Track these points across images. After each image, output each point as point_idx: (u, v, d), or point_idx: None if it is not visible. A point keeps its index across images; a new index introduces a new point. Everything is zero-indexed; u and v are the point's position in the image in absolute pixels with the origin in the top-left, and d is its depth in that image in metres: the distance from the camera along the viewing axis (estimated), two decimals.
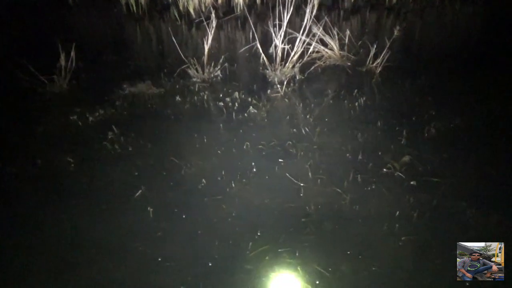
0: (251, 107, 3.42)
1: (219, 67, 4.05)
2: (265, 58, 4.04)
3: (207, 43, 4.00)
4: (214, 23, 4.06)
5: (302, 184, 2.54)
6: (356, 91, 3.72)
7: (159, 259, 2.05)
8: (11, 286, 1.91)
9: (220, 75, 4.01)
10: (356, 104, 3.50)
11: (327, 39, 4.31)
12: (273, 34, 4.13)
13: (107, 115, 3.34)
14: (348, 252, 2.06)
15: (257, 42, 4.03)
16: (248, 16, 4.47)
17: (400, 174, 2.60)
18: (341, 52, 4.40)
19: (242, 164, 2.74)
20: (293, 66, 4.06)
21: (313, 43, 4.13)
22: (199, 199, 2.43)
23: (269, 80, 3.96)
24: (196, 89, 3.78)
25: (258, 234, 2.18)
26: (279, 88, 3.77)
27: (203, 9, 5.86)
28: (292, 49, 4.07)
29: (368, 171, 2.64)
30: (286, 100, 3.63)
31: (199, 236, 2.18)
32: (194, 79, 3.95)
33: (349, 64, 4.33)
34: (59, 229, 2.22)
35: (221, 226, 2.24)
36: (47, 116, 3.32)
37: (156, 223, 2.26)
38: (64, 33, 3.83)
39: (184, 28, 5.68)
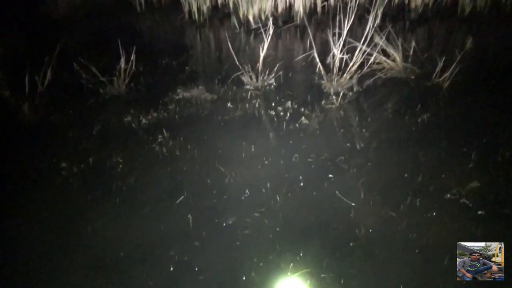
0: (303, 117, 3.28)
1: (273, 75, 3.95)
2: (321, 68, 3.88)
3: (262, 51, 3.93)
4: (270, 31, 3.98)
5: (352, 204, 2.34)
6: (419, 106, 3.43)
7: (195, 269, 1.97)
8: (44, 285, 1.92)
9: (274, 83, 3.91)
10: (419, 120, 3.22)
11: (389, 49, 4.06)
12: (332, 43, 3.96)
13: (160, 118, 3.37)
14: (401, 287, 1.83)
15: (314, 51, 3.88)
16: (307, 24, 4.34)
17: (466, 201, 2.31)
18: (404, 64, 4.11)
19: (289, 176, 2.60)
20: (351, 77, 3.85)
21: (374, 54, 3.90)
22: (241, 211, 2.33)
23: (325, 90, 3.79)
24: (249, 97, 3.71)
25: (300, 254, 2.02)
26: (335, 99, 3.58)
27: (262, 18, 5.83)
28: (351, 59, 3.87)
29: (429, 195, 2.38)
30: (341, 112, 3.43)
31: (238, 249, 2.07)
32: (247, 87, 3.88)
33: (412, 77, 4.03)
34: (99, 228, 2.23)
35: (261, 241, 2.11)
36: (103, 116, 3.41)
37: (195, 232, 2.19)
38: (127, 37, 3.95)
39: (242, 36, 5.67)
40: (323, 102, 3.57)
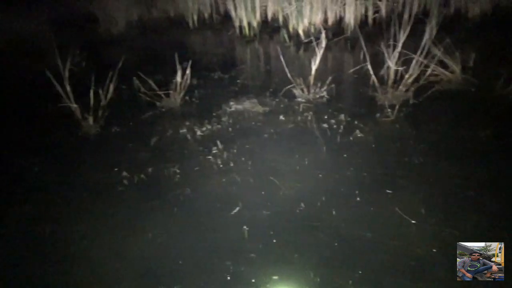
0: (357, 130, 3.21)
1: (325, 87, 3.93)
2: (375, 80, 3.80)
3: (314, 64, 3.93)
4: (323, 44, 3.97)
5: (413, 221, 2.25)
6: (480, 120, 3.26)
7: (252, 280, 1.97)
8: None
9: (326, 96, 3.88)
10: (482, 135, 3.05)
11: (448, 61, 3.90)
12: (386, 55, 3.88)
13: (213, 130, 3.45)
14: None
15: (368, 63, 3.81)
16: (359, 36, 4.28)
17: None
18: (464, 76, 3.93)
19: (344, 191, 2.55)
20: (407, 90, 3.74)
21: (432, 65, 3.77)
22: (296, 224, 2.31)
23: (379, 103, 3.70)
24: (301, 109, 3.71)
25: (359, 272, 1.96)
26: (390, 112, 3.48)
27: (313, 31, 5.84)
28: (406, 71, 3.77)
29: (496, 216, 2.23)
30: (397, 125, 3.33)
31: (293, 263, 2.05)
32: (299, 99, 3.88)
33: (473, 89, 3.84)
34: (157, 236, 2.29)
35: (317, 257, 2.08)
36: (160, 128, 3.55)
37: (250, 244, 2.19)
38: (181, 52, 4.11)
39: (292, 49, 5.72)
40: (377, 115, 3.49)
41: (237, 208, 2.46)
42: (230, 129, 3.46)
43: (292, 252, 2.11)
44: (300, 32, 5.94)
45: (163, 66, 4.87)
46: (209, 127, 3.50)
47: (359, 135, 3.17)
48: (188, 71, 4.03)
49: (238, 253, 2.13)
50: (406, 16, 4.62)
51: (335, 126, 3.34)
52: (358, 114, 3.50)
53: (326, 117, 3.50)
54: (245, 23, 6.46)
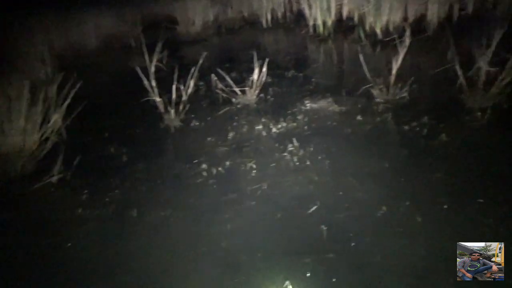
0: (443, 134, 3.02)
1: (406, 88, 3.74)
2: (463, 81, 3.55)
3: (396, 63, 3.76)
4: (407, 42, 3.79)
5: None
6: None
7: (332, 280, 1.93)
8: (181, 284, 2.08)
9: (408, 97, 3.70)
10: None
11: None
12: (476, 54, 3.60)
13: (289, 128, 3.45)
14: None
15: (456, 63, 3.56)
16: (445, 34, 4.02)
17: None
18: None
19: (430, 197, 2.40)
20: (500, 93, 3.43)
21: None
22: (376, 228, 2.22)
23: (467, 106, 3.44)
24: (379, 110, 3.57)
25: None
26: (480, 116, 3.23)
27: (391, 29, 5.60)
28: (500, 72, 3.46)
29: None
30: (488, 131, 3.08)
31: (373, 268, 1.97)
32: (378, 100, 3.75)
33: None
34: (235, 229, 2.34)
35: (400, 264, 1.98)
36: (237, 124, 3.63)
37: (329, 244, 2.16)
38: (256, 51, 4.16)
39: (368, 48, 5.53)
40: (466, 118, 3.25)
41: (315, 207, 2.43)
42: (305, 127, 3.43)
43: (372, 257, 2.04)
44: (378, 30, 5.73)
45: (239, 64, 4.99)
46: (284, 124, 3.51)
47: (444, 139, 2.98)
48: (264, 69, 4.07)
49: (317, 252, 2.11)
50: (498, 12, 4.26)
51: (418, 129, 3.17)
52: (444, 117, 3.29)
53: (407, 119, 3.34)
54: (319, 22, 6.37)
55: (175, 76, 3.83)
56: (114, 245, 2.31)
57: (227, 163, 3.00)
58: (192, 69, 3.89)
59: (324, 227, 2.26)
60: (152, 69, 3.82)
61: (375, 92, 3.80)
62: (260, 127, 3.51)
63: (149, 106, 3.85)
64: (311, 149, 3.06)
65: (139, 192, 2.79)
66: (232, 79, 4.16)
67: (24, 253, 2.32)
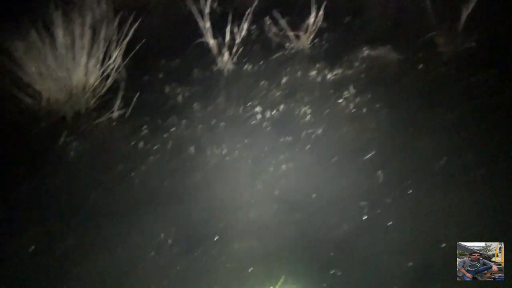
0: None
1: (475, 37, 3.47)
2: None
3: (466, 8, 3.47)
4: None
5: None
6: None
7: (387, 224, 1.95)
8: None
9: (476, 46, 3.44)
10: None
11: None
12: None
13: (345, 74, 3.35)
14: None
15: None
16: None
17: None
18: None
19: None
20: None
21: None
22: (434, 178, 2.18)
23: None
24: (444, 60, 3.37)
25: None
26: None
27: None
28: None
29: None
30: None
31: (427, 217, 1.96)
32: (443, 49, 3.52)
33: None
34: (288, 170, 2.38)
35: (454, 212, 1.95)
36: (290, 69, 3.57)
37: (386, 189, 2.16)
38: None
39: None
40: None
41: (372, 153, 2.41)
42: (362, 75, 3.32)
43: (429, 206, 2.02)
44: None
45: (293, 9, 4.80)
46: (340, 71, 3.41)
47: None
48: (321, 13, 3.90)
49: (373, 197, 2.12)
50: None
51: (484, 82, 2.98)
52: None
53: (475, 71, 3.13)
54: None
55: (229, 18, 3.76)
56: (176, 177, 2.43)
57: (281, 107, 3.00)
58: (246, 12, 3.80)
59: (380, 173, 2.25)
60: (207, 10, 3.76)
61: (439, 40, 3.56)
62: (315, 72, 3.43)
63: (203, 48, 3.84)
64: (368, 96, 2.98)
65: (195, 131, 2.88)
66: (286, 23, 4.02)
67: (94, 180, 2.50)
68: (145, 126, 2.96)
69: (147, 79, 3.63)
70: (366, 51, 3.70)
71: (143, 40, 3.53)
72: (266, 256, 1.88)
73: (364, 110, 2.84)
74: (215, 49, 3.77)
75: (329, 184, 2.24)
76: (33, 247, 2.03)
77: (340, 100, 2.99)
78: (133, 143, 2.80)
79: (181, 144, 2.73)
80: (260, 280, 1.77)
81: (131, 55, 3.48)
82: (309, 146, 2.56)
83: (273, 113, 2.95)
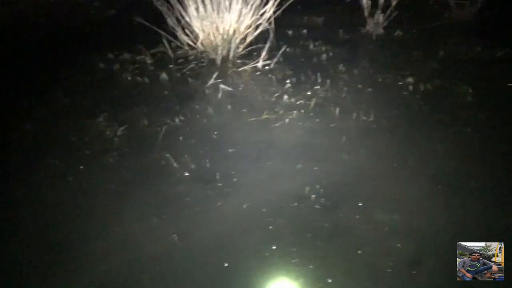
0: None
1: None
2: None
3: None
4: None
5: None
6: None
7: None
8: None
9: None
10: None
11: None
12: None
13: None
14: None
15: None
16: None
17: None
18: None
19: None
20: None
21: None
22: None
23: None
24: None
25: None
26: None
27: None
28: None
29: None
30: None
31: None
32: None
33: None
34: (441, 151, 2.20)
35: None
36: (449, 41, 3.24)
37: None
38: None
39: None
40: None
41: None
42: None
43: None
44: None
45: None
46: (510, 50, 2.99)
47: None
48: None
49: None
50: None
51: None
52: None
53: None
54: None
55: None
56: (316, 136, 2.42)
57: (437, 81, 2.76)
58: None
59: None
60: None
61: None
62: (479, 49, 3.06)
63: (354, 8, 3.66)
64: None
65: (340, 92, 2.81)
66: None
67: (240, 122, 2.61)
68: (288, 80, 2.97)
69: (292, 34, 3.61)
70: None
71: None
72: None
73: None
74: (367, 10, 3.57)
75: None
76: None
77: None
78: (276, 94, 2.84)
79: (325, 104, 2.70)
80: None
81: (283, 7, 3.46)
82: (468, 129, 2.33)
83: (427, 86, 2.73)
